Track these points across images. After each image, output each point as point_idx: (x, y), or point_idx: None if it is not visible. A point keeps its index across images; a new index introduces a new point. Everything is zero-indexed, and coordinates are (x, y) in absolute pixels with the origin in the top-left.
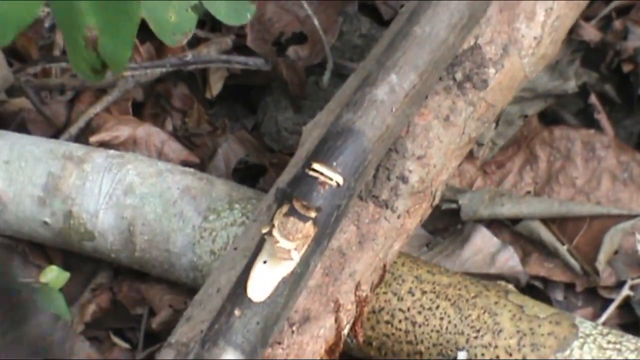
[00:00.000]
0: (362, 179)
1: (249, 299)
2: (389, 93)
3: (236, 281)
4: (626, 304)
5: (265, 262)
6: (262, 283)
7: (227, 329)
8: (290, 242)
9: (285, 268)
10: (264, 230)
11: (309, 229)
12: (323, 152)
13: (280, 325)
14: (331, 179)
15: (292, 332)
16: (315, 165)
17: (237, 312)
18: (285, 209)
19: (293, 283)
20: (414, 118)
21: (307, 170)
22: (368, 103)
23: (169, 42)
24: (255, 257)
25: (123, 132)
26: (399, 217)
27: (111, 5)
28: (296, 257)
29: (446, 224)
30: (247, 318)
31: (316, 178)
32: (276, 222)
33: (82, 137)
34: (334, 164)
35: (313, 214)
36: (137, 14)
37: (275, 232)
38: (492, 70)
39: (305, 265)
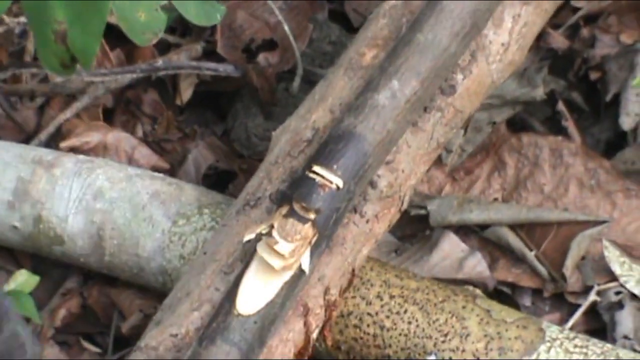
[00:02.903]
0: (361, 183)
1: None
2: (391, 98)
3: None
4: (593, 309)
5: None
6: (253, 296)
7: (225, 327)
8: (289, 243)
9: (278, 281)
10: (260, 231)
11: (307, 230)
12: (324, 155)
13: (278, 324)
14: (331, 182)
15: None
16: (316, 168)
17: (235, 311)
18: (284, 210)
19: (291, 285)
20: None
21: (307, 172)
22: (369, 108)
23: (138, 41)
24: (245, 268)
25: (93, 137)
26: (367, 221)
27: None
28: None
29: (415, 230)
30: (245, 317)
31: (316, 180)
32: (275, 223)
33: (52, 143)
34: (335, 167)
35: (312, 216)
36: (106, 7)
37: (274, 233)
38: (460, 76)
39: (302, 270)
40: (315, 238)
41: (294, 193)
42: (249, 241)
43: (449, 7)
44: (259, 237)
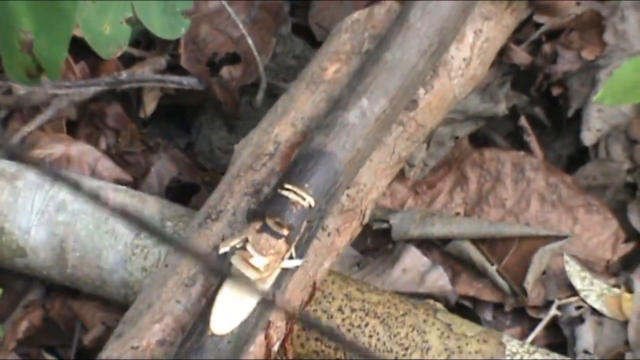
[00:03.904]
0: (332, 202)
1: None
2: (360, 117)
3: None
4: (554, 323)
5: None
6: (227, 316)
7: (199, 348)
8: (264, 257)
9: (252, 301)
10: (236, 245)
11: (281, 245)
12: (295, 173)
13: (253, 343)
14: (304, 199)
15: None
16: (288, 186)
17: (208, 331)
18: (257, 225)
19: (263, 307)
20: None
21: (279, 190)
22: (340, 126)
23: (103, 54)
24: (218, 288)
25: (57, 149)
26: (329, 235)
27: (46, 6)
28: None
29: (377, 243)
30: (219, 337)
31: (289, 197)
32: (250, 237)
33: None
34: (306, 185)
35: (286, 232)
36: (73, 15)
37: (249, 247)
38: (422, 91)
39: (277, 286)
40: (288, 254)
41: (266, 209)
42: (225, 253)
43: (416, 26)
44: (233, 251)
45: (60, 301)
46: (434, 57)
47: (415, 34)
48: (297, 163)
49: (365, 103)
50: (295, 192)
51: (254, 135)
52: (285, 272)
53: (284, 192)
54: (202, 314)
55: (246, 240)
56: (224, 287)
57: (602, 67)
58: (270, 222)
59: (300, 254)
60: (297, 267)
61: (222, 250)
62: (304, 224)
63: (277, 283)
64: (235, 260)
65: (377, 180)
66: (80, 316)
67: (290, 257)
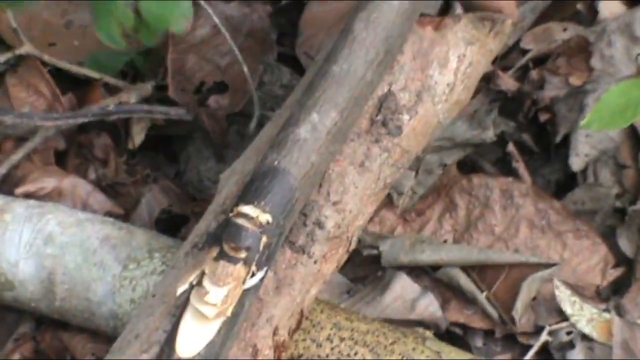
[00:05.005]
0: (290, 217)
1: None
2: (312, 131)
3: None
4: (545, 349)
5: (192, 318)
6: (191, 340)
7: None
8: (221, 289)
9: (215, 323)
10: (192, 281)
11: (239, 270)
12: (251, 192)
13: None
14: (257, 217)
15: None
16: (241, 207)
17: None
18: (214, 252)
19: (230, 324)
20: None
21: (232, 213)
22: (291, 143)
23: (178, 29)
24: (182, 313)
25: (49, 183)
26: (315, 262)
27: None
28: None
29: (367, 271)
30: None
31: (242, 221)
32: (206, 269)
33: (3, 184)
34: (262, 203)
35: (243, 254)
36: None
37: (205, 281)
38: (406, 117)
39: (239, 305)
40: (248, 276)
41: (221, 235)
42: (183, 292)
43: (361, 36)
44: (191, 287)
45: (51, 333)
46: (382, 67)
47: (361, 44)
48: (253, 182)
49: (315, 117)
50: (246, 215)
51: (239, 164)
52: (246, 292)
53: (237, 217)
54: (168, 338)
55: (202, 274)
56: (187, 312)
57: (589, 92)
58: (227, 248)
59: (262, 274)
60: (260, 281)
61: (180, 290)
62: (263, 242)
63: (240, 304)
64: (193, 298)
65: (363, 206)
66: (70, 348)
67: (252, 275)
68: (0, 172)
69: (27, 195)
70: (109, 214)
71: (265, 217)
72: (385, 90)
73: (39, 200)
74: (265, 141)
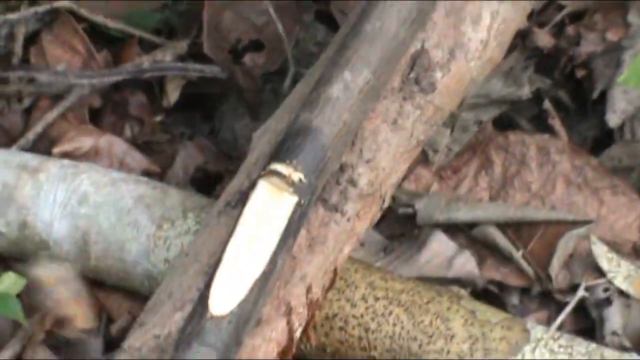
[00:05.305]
0: (322, 176)
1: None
2: (344, 90)
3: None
4: (581, 306)
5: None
6: (225, 297)
7: (200, 330)
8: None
9: (251, 275)
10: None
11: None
12: (283, 151)
13: (253, 322)
14: (291, 176)
15: (244, 334)
16: (274, 166)
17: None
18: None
19: (262, 282)
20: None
21: (264, 172)
22: (324, 101)
23: None
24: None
25: (85, 142)
26: (348, 220)
27: None
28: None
29: (403, 229)
30: (219, 318)
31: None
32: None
33: (39, 143)
34: (294, 161)
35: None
36: None
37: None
38: (439, 74)
39: (272, 262)
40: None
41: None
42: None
43: None
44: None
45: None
46: (415, 25)
47: (393, 2)
48: (285, 141)
49: (348, 76)
50: (281, 172)
51: (271, 123)
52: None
53: (269, 176)
54: (201, 297)
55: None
56: (221, 269)
57: (626, 48)
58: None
59: (295, 230)
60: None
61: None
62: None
63: (273, 261)
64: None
65: (396, 164)
66: (106, 306)
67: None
68: (36, 130)
69: (65, 155)
70: (145, 172)
71: (297, 176)
72: (418, 47)
73: (76, 160)
74: (298, 100)
